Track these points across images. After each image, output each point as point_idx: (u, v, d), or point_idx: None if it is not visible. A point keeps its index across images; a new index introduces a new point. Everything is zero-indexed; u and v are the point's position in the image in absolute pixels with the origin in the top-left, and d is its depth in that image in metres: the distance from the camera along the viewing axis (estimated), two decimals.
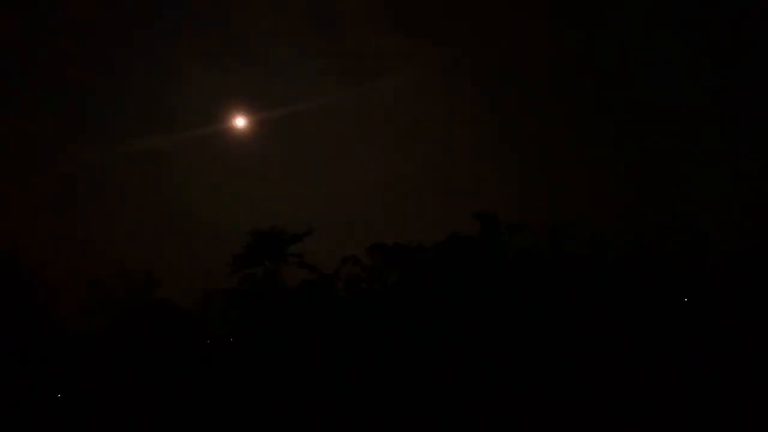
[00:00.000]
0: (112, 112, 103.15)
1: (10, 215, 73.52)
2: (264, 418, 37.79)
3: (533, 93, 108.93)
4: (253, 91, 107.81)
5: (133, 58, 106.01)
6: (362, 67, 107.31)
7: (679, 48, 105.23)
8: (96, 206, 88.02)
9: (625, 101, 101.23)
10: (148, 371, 44.04)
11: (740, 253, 49.54)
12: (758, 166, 73.15)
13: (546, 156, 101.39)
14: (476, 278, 48.93)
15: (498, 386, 38.02)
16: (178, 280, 52.99)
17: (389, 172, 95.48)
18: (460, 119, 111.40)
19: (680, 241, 51.11)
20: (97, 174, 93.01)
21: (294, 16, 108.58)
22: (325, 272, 51.35)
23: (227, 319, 52.04)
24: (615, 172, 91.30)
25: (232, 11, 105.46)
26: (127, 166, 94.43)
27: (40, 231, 68.96)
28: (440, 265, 51.55)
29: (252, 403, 40.08)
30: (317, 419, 36.22)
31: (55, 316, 47.78)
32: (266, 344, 46.09)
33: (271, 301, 48.23)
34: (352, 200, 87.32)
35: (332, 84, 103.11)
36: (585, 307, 45.58)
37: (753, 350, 37.31)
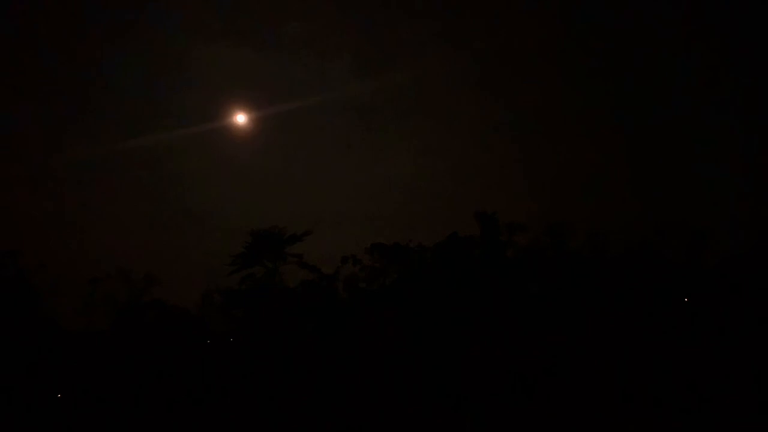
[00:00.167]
0: (111, 110, 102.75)
1: (10, 215, 73.60)
2: (264, 418, 37.83)
3: (534, 93, 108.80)
4: (254, 87, 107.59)
5: (132, 54, 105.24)
6: (363, 66, 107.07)
7: (679, 48, 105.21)
8: (96, 206, 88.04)
9: (625, 101, 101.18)
10: (148, 371, 44.08)
11: (740, 253, 49.51)
12: (758, 166, 73.02)
13: (546, 156, 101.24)
14: (476, 278, 48.94)
15: (498, 386, 38.05)
16: (178, 280, 53.10)
17: (389, 171, 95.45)
18: (461, 119, 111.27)
19: (680, 241, 51.10)
20: (96, 173, 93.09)
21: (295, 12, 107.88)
22: (325, 272, 51.46)
23: (227, 319, 52.07)
24: (615, 172, 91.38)
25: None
26: (127, 165, 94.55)
27: (40, 231, 68.95)
28: (440, 265, 51.57)
29: (252, 403, 40.11)
30: (317, 419, 36.26)
31: (55, 316, 47.88)
32: (266, 344, 46.09)
33: (271, 301, 48.22)
34: (352, 200, 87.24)
35: (332, 82, 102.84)
36: (585, 307, 45.58)
37: (753, 350, 37.33)
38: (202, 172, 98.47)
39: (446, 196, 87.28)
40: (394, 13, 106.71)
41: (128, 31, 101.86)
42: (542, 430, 31.90)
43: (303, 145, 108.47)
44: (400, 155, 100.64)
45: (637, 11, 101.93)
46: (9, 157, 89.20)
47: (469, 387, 37.78)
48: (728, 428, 29.08)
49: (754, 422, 28.92)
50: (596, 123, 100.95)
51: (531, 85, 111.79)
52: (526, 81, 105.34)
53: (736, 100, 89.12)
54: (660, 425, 30.56)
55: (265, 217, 77.21)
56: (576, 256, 50.81)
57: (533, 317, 45.13)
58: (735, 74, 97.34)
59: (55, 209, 79.12)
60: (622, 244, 51.73)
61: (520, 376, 38.61)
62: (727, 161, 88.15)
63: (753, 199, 60.13)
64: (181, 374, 44.15)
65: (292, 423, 36.40)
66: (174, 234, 76.90)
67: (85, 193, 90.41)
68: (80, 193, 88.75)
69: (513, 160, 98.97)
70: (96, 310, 49.40)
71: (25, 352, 42.53)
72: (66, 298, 48.23)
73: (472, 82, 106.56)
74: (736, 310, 42.66)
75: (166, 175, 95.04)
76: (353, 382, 41.02)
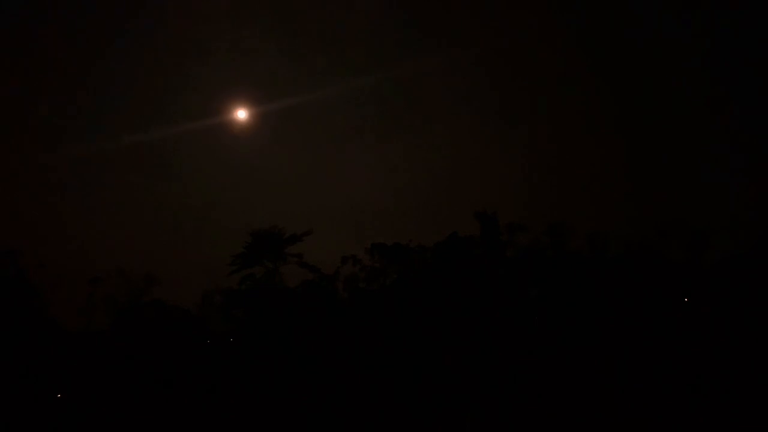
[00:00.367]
0: (111, 108, 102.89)
1: (10, 215, 73.57)
2: (264, 418, 37.80)
3: (535, 94, 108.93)
4: (254, 84, 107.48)
5: (131, 50, 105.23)
6: (363, 66, 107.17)
7: (680, 48, 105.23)
8: (95, 206, 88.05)
9: (625, 102, 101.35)
10: (148, 371, 44.06)
11: (740, 253, 49.50)
12: (758, 167, 73.03)
13: (546, 156, 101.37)
14: (476, 278, 48.91)
15: (498, 385, 38.02)
16: (178, 280, 53.15)
17: (389, 171, 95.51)
18: (462, 119, 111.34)
19: (680, 241, 51.10)
20: (95, 173, 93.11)
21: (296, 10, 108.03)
22: (325, 272, 51.43)
23: (227, 320, 52.06)
24: (615, 172, 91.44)
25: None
26: (127, 164, 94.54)
27: (40, 231, 68.98)
28: (440, 265, 51.54)
29: (252, 403, 40.08)
30: (317, 418, 36.24)
31: (55, 316, 47.90)
32: (266, 344, 46.05)
33: (271, 301, 48.16)
34: (352, 200, 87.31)
35: (333, 81, 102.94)
36: (585, 307, 45.58)
37: (753, 350, 37.32)
38: (202, 171, 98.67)
39: (446, 196, 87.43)
40: (395, 14, 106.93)
41: (128, 30, 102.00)
42: (542, 430, 31.89)
43: (303, 145, 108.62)
44: (400, 155, 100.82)
45: (637, 11, 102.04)
46: (9, 157, 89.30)
47: (469, 387, 37.75)
48: (728, 428, 29.09)
49: (754, 422, 28.92)
50: (596, 123, 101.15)
51: (531, 85, 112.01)
52: (526, 81, 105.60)
53: (736, 100, 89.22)
54: (660, 425, 30.56)
55: (265, 217, 77.35)
56: (576, 256, 50.79)
57: (533, 317, 45.13)
58: (735, 74, 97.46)
59: (55, 209, 79.23)
60: (622, 244, 51.79)
61: (520, 376, 38.59)
62: (727, 161, 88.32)
63: (753, 199, 60.18)
64: (181, 374, 44.12)
65: (293, 423, 36.38)
66: (174, 234, 76.99)
67: (85, 193, 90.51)
68: (80, 193, 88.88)
69: (513, 160, 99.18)
70: (96, 310, 49.52)
71: (25, 352, 42.50)
72: (66, 298, 48.32)
73: (473, 82, 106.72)
74: (736, 310, 42.66)
75: (166, 174, 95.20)
76: (353, 381, 40.99)
